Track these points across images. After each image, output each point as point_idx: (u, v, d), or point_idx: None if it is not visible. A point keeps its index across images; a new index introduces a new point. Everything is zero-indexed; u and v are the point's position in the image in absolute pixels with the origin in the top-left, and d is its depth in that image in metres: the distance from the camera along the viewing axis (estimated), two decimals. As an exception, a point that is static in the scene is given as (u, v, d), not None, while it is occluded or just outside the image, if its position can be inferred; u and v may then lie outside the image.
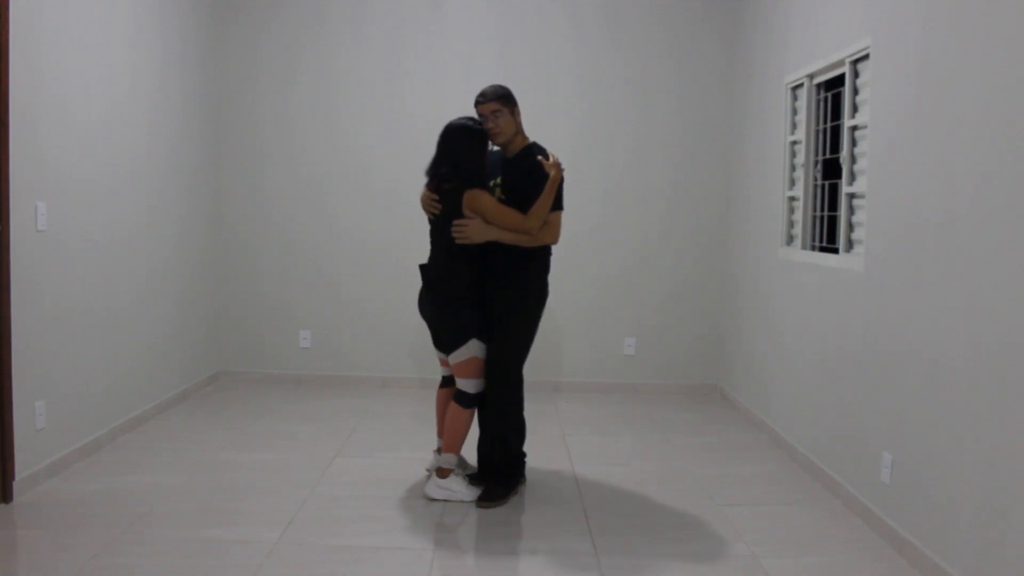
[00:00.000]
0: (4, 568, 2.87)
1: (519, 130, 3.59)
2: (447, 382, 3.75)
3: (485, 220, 3.42)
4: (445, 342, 3.56)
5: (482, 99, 3.51)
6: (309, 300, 5.72)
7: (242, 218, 5.70)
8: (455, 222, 3.43)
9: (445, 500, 3.55)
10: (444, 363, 3.71)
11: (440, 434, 3.77)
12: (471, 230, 3.41)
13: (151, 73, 4.67)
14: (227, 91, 5.63)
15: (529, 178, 3.48)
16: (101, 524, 3.21)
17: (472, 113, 3.59)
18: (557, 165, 3.47)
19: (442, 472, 3.57)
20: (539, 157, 3.51)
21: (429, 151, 3.87)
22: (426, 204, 3.55)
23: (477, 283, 3.52)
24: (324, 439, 4.44)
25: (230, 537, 3.14)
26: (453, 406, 3.55)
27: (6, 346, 3.37)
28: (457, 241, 3.44)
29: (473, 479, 3.71)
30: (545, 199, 3.44)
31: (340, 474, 3.89)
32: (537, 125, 5.51)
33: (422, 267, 3.62)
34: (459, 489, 3.56)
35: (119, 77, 4.31)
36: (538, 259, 3.59)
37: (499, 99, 3.50)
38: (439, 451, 3.75)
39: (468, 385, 3.53)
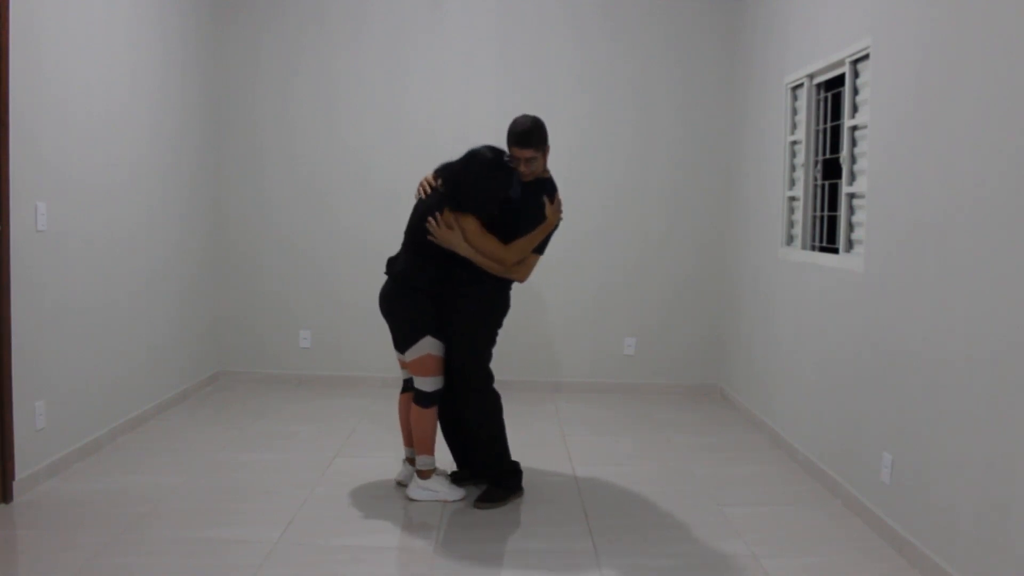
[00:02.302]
0: (4, 568, 2.87)
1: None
2: (408, 386, 3.68)
3: (465, 237, 3.40)
4: (399, 339, 3.51)
5: (519, 144, 3.41)
6: (309, 300, 5.72)
7: (242, 218, 5.70)
8: (433, 217, 3.38)
9: (429, 501, 3.54)
10: (404, 364, 3.62)
11: (407, 443, 3.73)
12: (443, 233, 3.38)
13: (151, 73, 4.67)
14: (227, 91, 5.63)
15: (524, 211, 3.44)
16: (101, 524, 3.21)
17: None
18: (556, 212, 3.45)
19: (423, 473, 3.55)
20: (544, 197, 3.46)
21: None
22: (421, 186, 3.52)
23: (437, 281, 3.48)
24: (324, 439, 4.44)
25: (230, 537, 3.14)
26: (414, 408, 3.51)
27: (6, 346, 3.37)
28: (427, 236, 3.41)
29: (456, 479, 3.71)
30: (532, 238, 3.41)
31: (340, 474, 3.89)
32: (537, 125, 5.53)
33: (390, 260, 3.59)
34: (441, 489, 3.55)
35: (119, 77, 4.31)
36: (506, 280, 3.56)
37: (537, 147, 3.42)
38: (408, 461, 3.72)
39: (425, 384, 3.48)
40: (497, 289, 3.56)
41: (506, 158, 3.43)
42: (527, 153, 3.42)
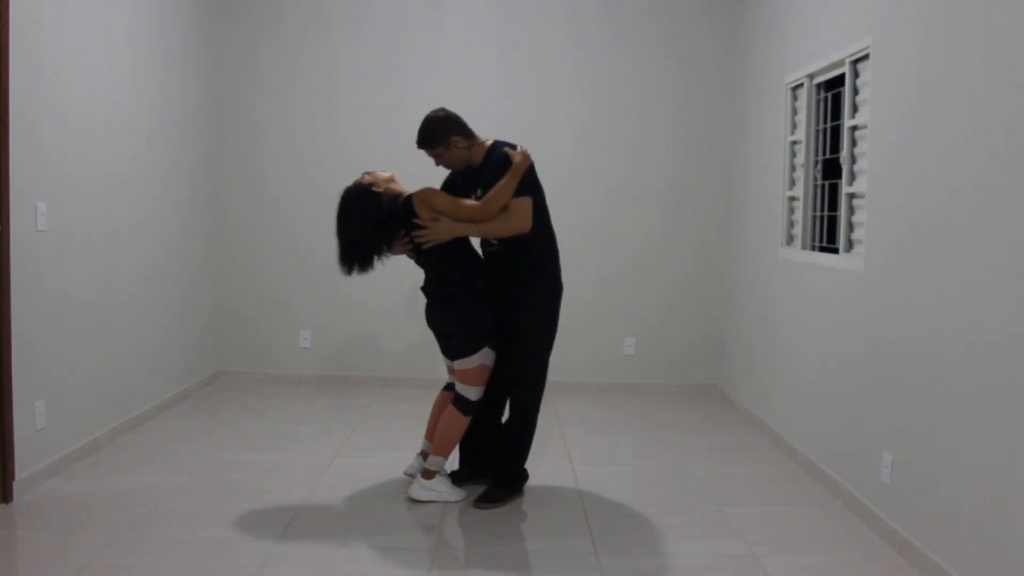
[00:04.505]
0: (4, 568, 2.87)
1: (471, 144, 3.51)
2: (452, 386, 3.69)
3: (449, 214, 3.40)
4: (455, 348, 3.50)
5: (419, 146, 3.53)
6: (309, 300, 5.72)
7: (242, 218, 5.70)
8: (417, 231, 3.39)
9: (430, 501, 3.53)
10: (452, 370, 3.65)
11: (428, 436, 3.73)
12: (436, 231, 3.38)
13: (151, 72, 4.67)
14: (227, 91, 5.63)
15: (503, 171, 3.41)
16: (101, 524, 3.21)
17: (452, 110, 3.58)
18: (524, 153, 3.41)
19: (428, 473, 3.55)
20: (505, 149, 3.45)
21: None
22: (403, 248, 3.55)
23: (479, 283, 3.47)
24: (324, 439, 4.44)
25: (230, 537, 3.14)
26: (451, 409, 3.51)
27: (6, 346, 3.36)
28: (424, 247, 3.41)
29: (455, 478, 3.70)
30: (506, 184, 3.36)
31: (340, 474, 3.89)
32: (537, 125, 5.53)
33: (422, 289, 3.62)
34: (444, 490, 3.55)
35: (119, 76, 4.31)
36: (549, 260, 3.55)
37: (434, 147, 3.48)
38: (422, 454, 3.71)
39: (471, 392, 3.49)
40: (546, 291, 3.54)
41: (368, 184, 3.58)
42: (427, 153, 3.53)
